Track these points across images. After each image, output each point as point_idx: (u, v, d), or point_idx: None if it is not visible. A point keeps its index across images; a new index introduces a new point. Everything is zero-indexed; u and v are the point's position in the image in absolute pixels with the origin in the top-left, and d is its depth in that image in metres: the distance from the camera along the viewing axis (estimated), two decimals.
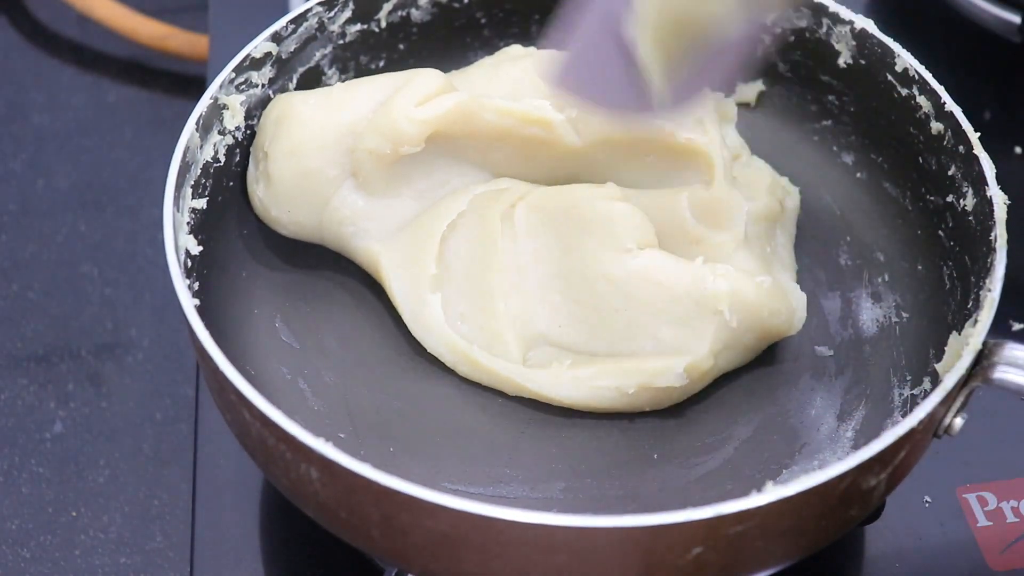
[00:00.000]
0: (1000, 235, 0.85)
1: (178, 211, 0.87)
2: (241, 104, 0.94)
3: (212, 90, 0.92)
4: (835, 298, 0.98)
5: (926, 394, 0.86)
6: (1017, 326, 1.01)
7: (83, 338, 1.09)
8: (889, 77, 0.96)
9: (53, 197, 1.16)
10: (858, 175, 1.02)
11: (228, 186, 0.95)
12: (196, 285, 0.88)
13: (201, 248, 0.89)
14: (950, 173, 0.92)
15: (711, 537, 0.74)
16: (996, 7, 1.06)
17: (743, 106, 1.06)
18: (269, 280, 0.95)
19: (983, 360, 0.82)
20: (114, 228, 1.15)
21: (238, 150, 0.95)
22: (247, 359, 0.90)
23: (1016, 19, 1.05)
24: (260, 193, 0.94)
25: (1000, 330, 0.89)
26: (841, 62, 1.00)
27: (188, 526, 0.94)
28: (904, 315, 0.95)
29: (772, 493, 0.73)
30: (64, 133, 1.20)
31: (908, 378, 0.91)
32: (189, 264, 0.88)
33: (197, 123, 0.91)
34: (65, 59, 1.22)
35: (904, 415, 0.87)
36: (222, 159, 0.93)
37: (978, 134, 0.90)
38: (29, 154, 1.18)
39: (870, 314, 0.97)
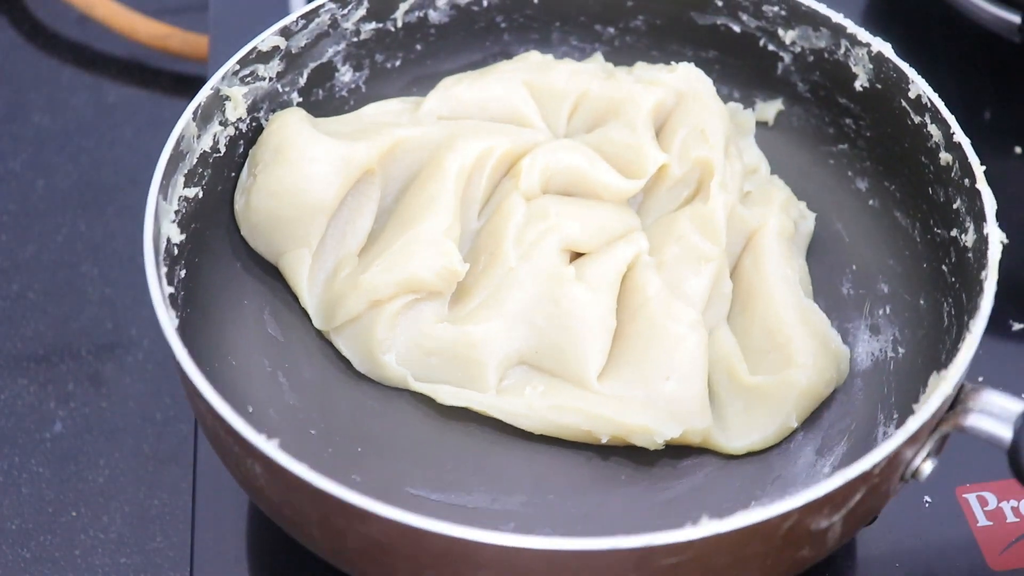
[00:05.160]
0: (990, 275, 0.83)
1: (164, 199, 0.87)
2: (245, 96, 0.94)
3: (214, 81, 0.92)
4: (833, 328, 0.95)
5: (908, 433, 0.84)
6: (1017, 326, 0.99)
7: (83, 338, 1.08)
8: (903, 103, 0.95)
9: (53, 197, 1.16)
10: (871, 202, 1.00)
11: (229, 176, 0.95)
12: (183, 272, 0.88)
13: (184, 236, 0.89)
14: (955, 206, 0.90)
15: (644, 568, 0.72)
16: (996, 7, 1.06)
17: (761, 124, 1.05)
18: (263, 273, 0.95)
19: (958, 404, 0.80)
20: (114, 228, 1.14)
21: (241, 141, 0.95)
22: (230, 348, 0.91)
23: (1016, 19, 1.05)
24: (239, 206, 0.95)
25: (1000, 329, 0.89)
26: (858, 85, 0.98)
27: (188, 526, 0.94)
28: (900, 350, 0.93)
29: (706, 528, 0.72)
30: (64, 133, 1.20)
31: (895, 416, 0.89)
32: (175, 252, 0.88)
33: (195, 113, 0.90)
34: (65, 59, 1.22)
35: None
36: (222, 149, 0.93)
37: (978, 134, 0.89)
38: (29, 154, 1.18)
39: (866, 347, 0.95)
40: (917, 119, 0.94)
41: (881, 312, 0.95)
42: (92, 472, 1.02)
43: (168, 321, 0.80)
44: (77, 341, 1.08)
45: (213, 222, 0.93)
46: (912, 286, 0.95)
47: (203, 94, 0.91)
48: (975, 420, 0.79)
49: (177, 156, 0.89)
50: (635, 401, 0.88)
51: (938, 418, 0.79)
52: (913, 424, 0.77)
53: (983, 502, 0.93)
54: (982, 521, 0.92)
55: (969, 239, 0.88)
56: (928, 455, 0.80)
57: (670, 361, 0.88)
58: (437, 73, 1.03)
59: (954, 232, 0.90)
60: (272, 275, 0.95)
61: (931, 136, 0.92)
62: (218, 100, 0.93)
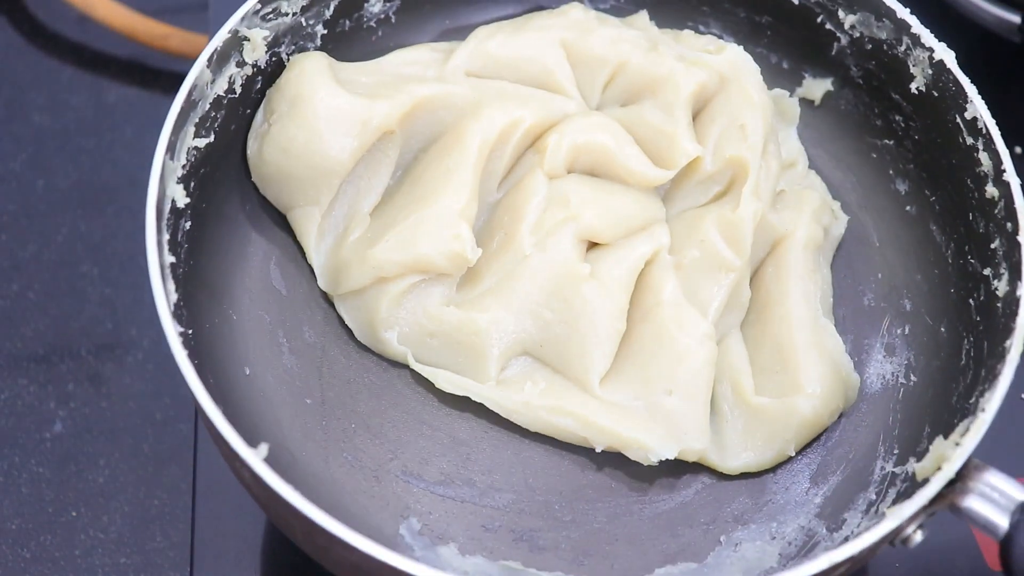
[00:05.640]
0: (1015, 347, 0.80)
1: (171, 158, 0.84)
2: (264, 39, 0.90)
3: (232, 22, 0.88)
4: (846, 341, 0.92)
5: (905, 478, 0.83)
6: None
7: (83, 338, 1.08)
8: (958, 119, 0.90)
9: (53, 197, 1.16)
10: (908, 208, 0.95)
11: (244, 114, 0.91)
12: (187, 224, 0.85)
13: (193, 184, 0.85)
14: (993, 246, 0.87)
15: None
16: (996, 7, 1.06)
17: (807, 103, 1.00)
18: (272, 222, 0.93)
19: (958, 480, 0.77)
20: (114, 228, 1.14)
21: (260, 78, 0.91)
22: (232, 302, 0.89)
23: (1016, 19, 1.05)
24: (251, 151, 0.91)
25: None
26: (914, 87, 0.93)
27: (188, 526, 0.94)
28: (912, 378, 0.90)
29: None
30: (64, 133, 1.20)
31: (895, 452, 0.87)
32: (181, 207, 0.84)
33: (210, 59, 0.87)
34: (65, 59, 1.22)
35: (877, 494, 0.85)
36: (238, 90, 0.90)
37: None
38: (29, 154, 1.18)
39: (878, 368, 0.92)
40: (969, 140, 0.89)
41: (899, 331, 0.92)
42: (92, 472, 1.02)
43: (165, 306, 0.78)
44: (77, 341, 1.08)
45: (225, 164, 0.90)
46: (936, 310, 0.91)
47: (220, 38, 0.87)
48: (972, 502, 0.77)
49: (188, 107, 0.85)
50: (634, 412, 0.86)
51: (936, 494, 0.77)
52: (908, 509, 0.76)
53: None
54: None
55: (1001, 288, 0.85)
56: (920, 526, 0.78)
57: (675, 374, 0.86)
58: (470, 25, 0.97)
59: (987, 271, 0.87)
60: (282, 225, 0.93)
61: (981, 163, 0.88)
62: (236, 42, 0.88)
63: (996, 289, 0.85)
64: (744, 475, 0.88)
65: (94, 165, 1.22)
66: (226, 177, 0.90)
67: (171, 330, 0.77)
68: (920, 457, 0.83)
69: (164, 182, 0.82)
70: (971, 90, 0.89)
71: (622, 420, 0.86)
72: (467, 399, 0.89)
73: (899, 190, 0.96)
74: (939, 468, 0.77)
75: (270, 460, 0.76)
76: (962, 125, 0.90)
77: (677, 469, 0.87)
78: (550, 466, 0.87)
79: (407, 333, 0.89)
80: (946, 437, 0.81)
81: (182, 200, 0.84)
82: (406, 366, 0.89)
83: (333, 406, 0.88)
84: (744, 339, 0.90)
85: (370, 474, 0.86)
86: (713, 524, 0.86)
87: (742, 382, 0.88)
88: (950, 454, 0.78)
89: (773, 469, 0.88)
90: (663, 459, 0.85)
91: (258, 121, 0.91)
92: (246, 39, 0.89)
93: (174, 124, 0.84)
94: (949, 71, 0.91)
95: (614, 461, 0.87)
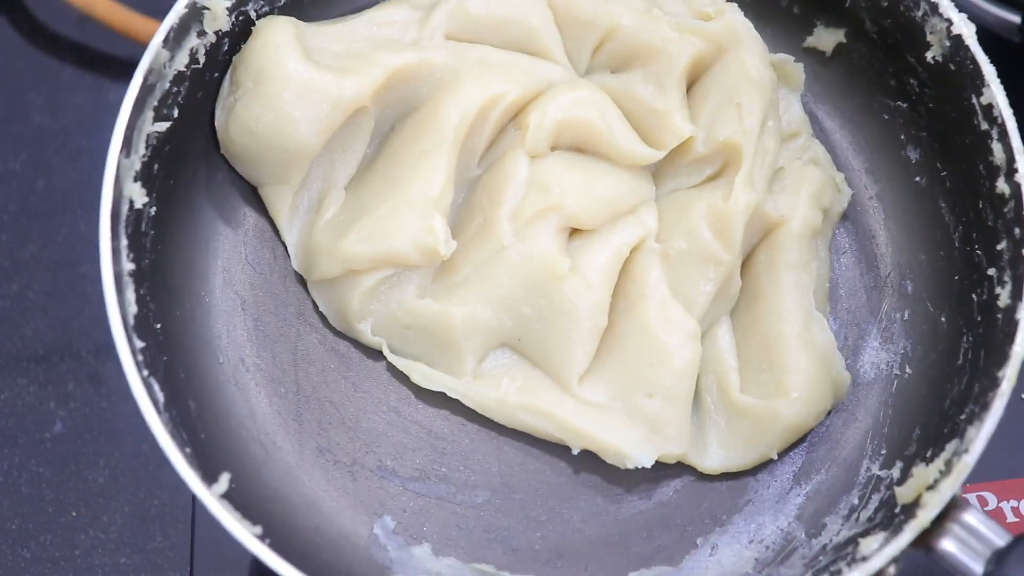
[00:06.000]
0: (1008, 378, 0.77)
1: (127, 155, 0.79)
2: (227, 8, 0.83)
3: None
4: (842, 325, 0.89)
5: (892, 483, 0.81)
6: None
7: (83, 338, 1.08)
8: (974, 100, 0.84)
9: (53, 197, 1.16)
10: (917, 179, 0.90)
11: (212, 79, 0.85)
12: (153, 211, 0.81)
13: (151, 190, 0.81)
14: (1000, 247, 0.82)
15: None
16: (996, 7, 1.06)
17: (818, 54, 0.93)
18: (246, 195, 0.88)
19: (935, 523, 0.75)
20: None
21: (227, 40, 0.85)
22: (205, 284, 0.86)
23: (1016, 19, 1.05)
24: (219, 122, 0.86)
25: None
26: (930, 56, 0.86)
27: (188, 526, 0.94)
28: (907, 370, 0.87)
29: None
30: (64, 133, 1.20)
31: (882, 453, 0.85)
32: (138, 206, 0.80)
33: (165, 39, 0.81)
34: (65, 59, 1.22)
35: (860, 498, 0.83)
36: (202, 60, 0.84)
37: None
38: (29, 154, 1.18)
39: (872, 356, 0.88)
40: (984, 126, 0.84)
41: (899, 316, 0.89)
42: (92, 472, 1.01)
43: (119, 320, 0.76)
44: (77, 341, 1.08)
45: (193, 137, 0.85)
46: (938, 296, 0.87)
47: (176, 13, 0.81)
48: (948, 545, 0.75)
49: (145, 93, 0.80)
50: (613, 413, 0.84)
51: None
52: (877, 562, 0.74)
53: (983, 502, 0.93)
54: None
55: (1003, 298, 0.81)
56: (895, 561, 0.76)
57: (657, 376, 0.83)
58: None
59: (992, 271, 0.83)
60: (257, 199, 0.89)
61: (993, 152, 0.83)
62: (196, 13, 0.82)
63: (998, 296, 0.82)
64: (725, 474, 0.86)
65: (94, 165, 1.22)
66: (194, 150, 0.86)
67: (125, 349, 0.76)
68: (904, 472, 0.81)
69: (120, 183, 0.79)
70: (989, 71, 0.84)
71: (599, 423, 0.83)
72: (445, 393, 0.86)
73: (910, 157, 0.91)
74: (918, 500, 0.76)
75: (236, 472, 0.76)
76: (978, 108, 0.84)
77: (656, 468, 0.85)
78: (527, 462, 0.86)
79: (381, 324, 0.86)
80: (931, 457, 0.79)
81: (141, 200, 0.80)
82: (383, 360, 0.87)
83: (308, 396, 0.86)
84: (733, 327, 0.87)
85: (345, 469, 0.85)
86: (690, 525, 0.85)
87: (728, 377, 0.85)
88: (928, 499, 0.75)
89: (755, 467, 0.86)
90: (640, 467, 0.84)
91: (224, 91, 0.86)
92: (206, 8, 0.83)
93: (128, 118, 0.79)
94: (967, 47, 0.85)
95: (592, 458, 0.86)
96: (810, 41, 0.94)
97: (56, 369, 1.08)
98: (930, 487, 0.76)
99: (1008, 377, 0.77)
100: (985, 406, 0.77)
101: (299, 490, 0.84)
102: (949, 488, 0.75)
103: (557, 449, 0.86)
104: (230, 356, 0.86)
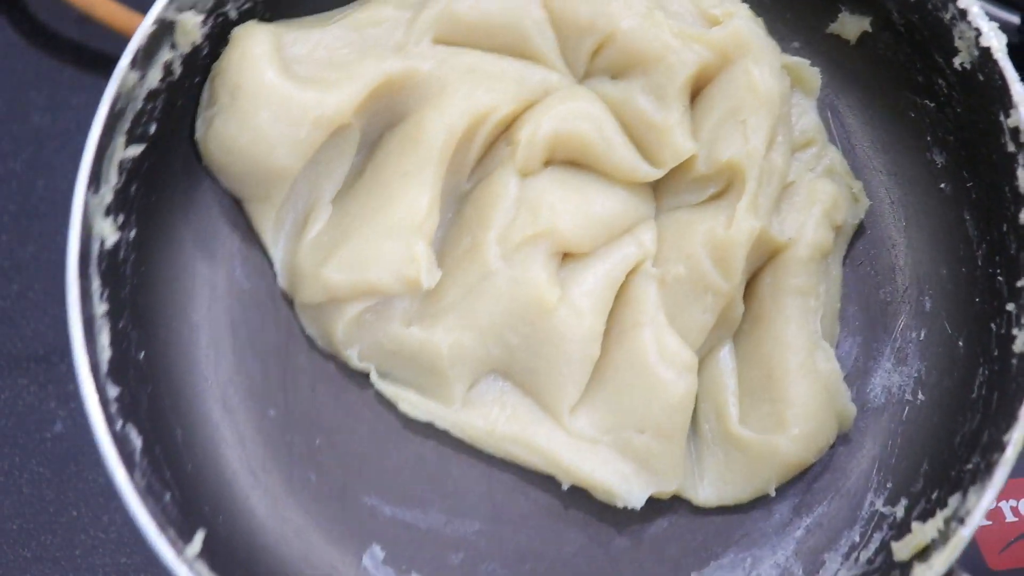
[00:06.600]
0: (1014, 443, 0.73)
1: (95, 192, 0.75)
2: (196, 24, 0.78)
3: (157, 9, 0.76)
4: (854, 344, 0.84)
5: (895, 521, 0.78)
6: None
7: None
8: (1000, 119, 0.78)
9: (53, 197, 1.16)
10: (942, 185, 0.84)
11: (193, 85, 0.81)
12: (132, 234, 0.77)
13: (119, 235, 0.77)
14: (1019, 284, 0.77)
15: None
16: (996, 7, 1.06)
17: (842, 41, 0.87)
18: (233, 209, 0.84)
19: None
20: None
21: (207, 45, 0.80)
22: (190, 300, 0.83)
23: (1016, 19, 1.05)
24: (199, 134, 0.81)
25: None
26: (958, 62, 0.80)
27: None
28: (920, 396, 0.82)
29: None
30: (64, 133, 1.20)
31: (888, 487, 0.81)
32: (108, 246, 0.76)
33: (133, 61, 0.76)
34: (65, 59, 1.22)
35: (861, 536, 0.80)
36: (178, 71, 0.79)
37: None
38: (29, 154, 1.18)
39: (884, 378, 0.84)
40: (1010, 148, 0.78)
41: (914, 335, 0.84)
42: (92, 472, 1.02)
43: (87, 369, 0.73)
44: None
45: (174, 149, 0.81)
46: (957, 317, 0.82)
47: (143, 33, 0.75)
48: None
49: (112, 121, 0.75)
50: (603, 449, 0.80)
51: None
52: None
53: None
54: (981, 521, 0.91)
55: (1020, 341, 0.76)
56: None
57: (649, 410, 0.79)
58: None
59: (1011, 306, 0.78)
60: (243, 213, 0.85)
61: (1018, 179, 0.77)
62: (166, 29, 0.77)
63: (1015, 338, 0.77)
64: (721, 507, 0.83)
65: None
66: (175, 162, 0.82)
67: (95, 404, 0.73)
68: (907, 515, 0.78)
69: (88, 222, 0.75)
70: (1018, 92, 0.77)
71: (589, 459, 0.80)
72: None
73: (935, 161, 0.85)
74: (911, 565, 0.73)
75: (223, 496, 0.75)
76: (1005, 128, 0.78)
77: (649, 501, 0.82)
78: (517, 491, 0.83)
79: (368, 350, 0.83)
80: (932, 508, 0.76)
81: (112, 237, 0.77)
82: (371, 387, 0.84)
83: (297, 419, 0.84)
84: (735, 351, 0.83)
85: (334, 498, 0.83)
86: (684, 558, 0.82)
87: (727, 408, 0.81)
88: (921, 572, 0.73)
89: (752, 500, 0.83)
90: (630, 507, 0.81)
91: (204, 102, 0.82)
92: (174, 23, 0.78)
93: (95, 152, 0.75)
94: (994, 62, 0.78)
95: (583, 490, 0.83)
96: (834, 27, 0.87)
97: (56, 369, 1.08)
98: (923, 557, 0.73)
99: (1014, 443, 0.73)
100: (989, 468, 0.73)
101: (288, 518, 0.82)
102: (942, 564, 0.72)
103: (548, 480, 0.84)
104: (219, 377, 0.84)
